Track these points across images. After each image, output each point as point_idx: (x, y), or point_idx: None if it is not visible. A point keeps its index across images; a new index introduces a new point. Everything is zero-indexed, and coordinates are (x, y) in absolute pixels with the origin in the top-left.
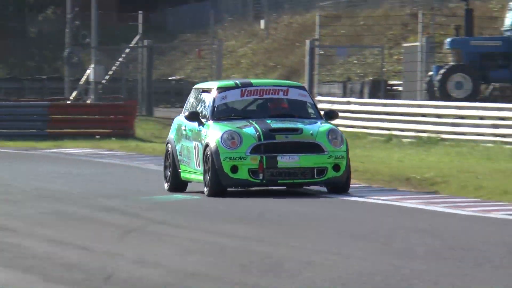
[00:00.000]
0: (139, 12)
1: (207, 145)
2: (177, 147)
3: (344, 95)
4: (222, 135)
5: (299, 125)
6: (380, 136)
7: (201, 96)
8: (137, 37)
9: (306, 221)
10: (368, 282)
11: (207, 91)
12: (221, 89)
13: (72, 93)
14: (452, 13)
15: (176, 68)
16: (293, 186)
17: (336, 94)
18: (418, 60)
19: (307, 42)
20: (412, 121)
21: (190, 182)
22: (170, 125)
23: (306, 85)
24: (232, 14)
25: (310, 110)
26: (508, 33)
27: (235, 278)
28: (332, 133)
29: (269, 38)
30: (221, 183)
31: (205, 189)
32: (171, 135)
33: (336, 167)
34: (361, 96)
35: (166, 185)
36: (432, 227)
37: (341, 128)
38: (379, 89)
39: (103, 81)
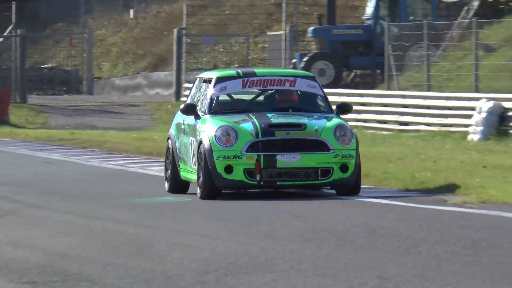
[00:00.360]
0: (13, 2)
1: (200, 142)
2: (176, 144)
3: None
4: (216, 131)
5: (303, 120)
6: None
7: (202, 87)
8: (11, 27)
9: (174, 205)
10: (234, 263)
11: (207, 81)
12: (220, 79)
13: None
14: (315, 2)
15: (48, 57)
16: (295, 188)
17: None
18: (282, 48)
19: (175, 31)
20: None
21: (191, 182)
22: (43, 111)
23: (174, 73)
24: (102, 3)
25: (320, 103)
26: (368, 22)
27: (106, 258)
28: (340, 129)
29: (138, 27)
30: (214, 185)
31: (198, 191)
32: (172, 130)
33: (344, 167)
34: None
35: (166, 185)
36: (296, 209)
37: None
38: None
39: None
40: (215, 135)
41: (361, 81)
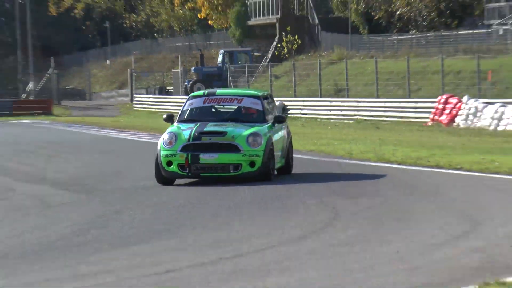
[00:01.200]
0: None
1: None
2: None
3: (147, 94)
4: (165, 135)
5: (227, 129)
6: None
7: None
8: (50, 69)
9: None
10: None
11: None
12: (192, 97)
13: (22, 94)
14: (194, 56)
15: (67, 81)
16: (215, 178)
17: (144, 94)
18: (180, 77)
19: (129, 70)
20: (180, 106)
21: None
22: (69, 109)
23: (129, 90)
24: (92, 58)
25: (259, 116)
26: (219, 65)
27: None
28: (253, 136)
29: (111, 68)
30: (161, 174)
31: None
32: None
33: (252, 164)
34: (155, 94)
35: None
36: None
37: (144, 109)
38: (163, 91)
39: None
40: (163, 139)
41: None
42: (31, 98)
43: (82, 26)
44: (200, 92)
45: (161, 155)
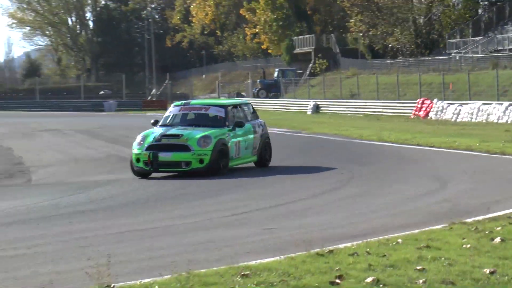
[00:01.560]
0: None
1: None
2: None
3: (229, 97)
4: (138, 137)
5: (185, 132)
6: None
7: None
8: (167, 80)
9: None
10: None
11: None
12: (173, 106)
13: (148, 97)
14: (259, 72)
15: (178, 87)
16: (171, 172)
17: (226, 97)
18: (250, 86)
19: (217, 81)
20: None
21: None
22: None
23: (217, 95)
24: (194, 73)
25: (220, 121)
26: (276, 78)
27: None
28: (204, 139)
29: (206, 80)
30: (134, 169)
31: None
32: None
33: (201, 161)
34: (234, 97)
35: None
36: None
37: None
38: (239, 95)
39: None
40: (136, 140)
41: (273, 97)
42: (154, 99)
43: (187, 53)
44: (179, 103)
45: (133, 153)
